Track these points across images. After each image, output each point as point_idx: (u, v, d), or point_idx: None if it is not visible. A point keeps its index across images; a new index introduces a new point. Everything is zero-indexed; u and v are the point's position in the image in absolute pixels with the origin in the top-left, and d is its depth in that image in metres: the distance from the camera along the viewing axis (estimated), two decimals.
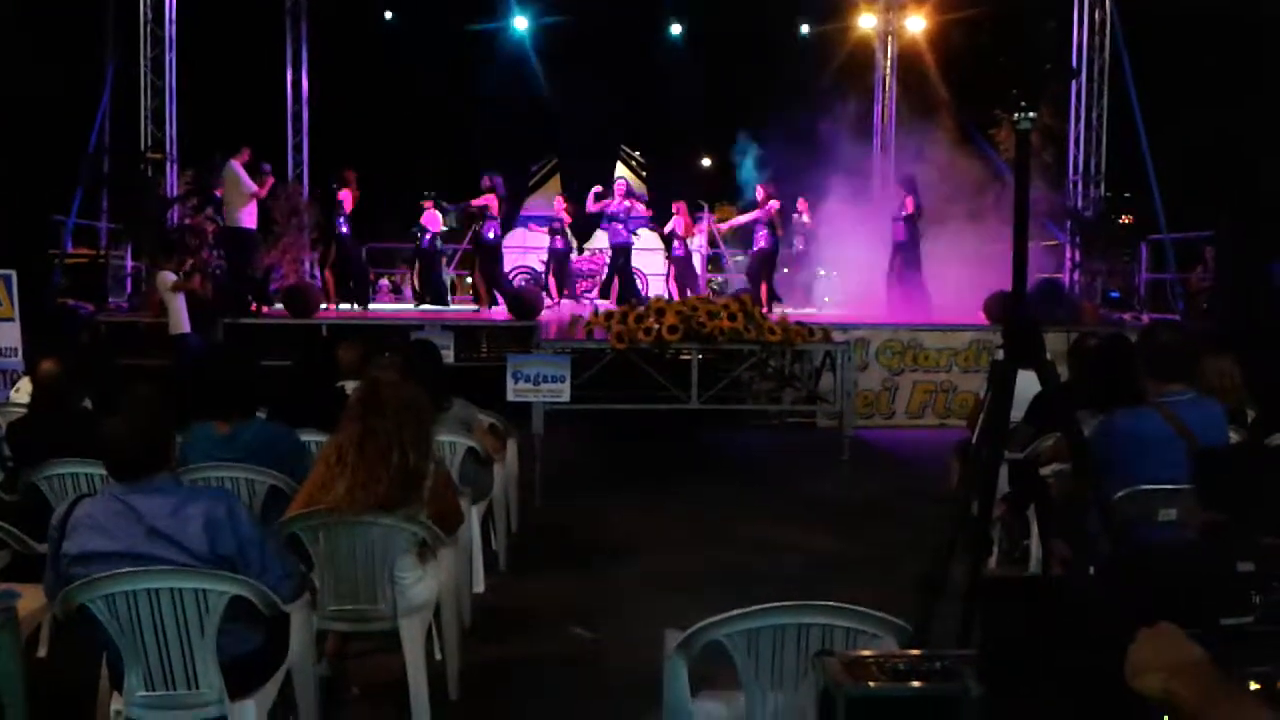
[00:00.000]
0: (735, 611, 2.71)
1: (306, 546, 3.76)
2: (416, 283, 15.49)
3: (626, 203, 14.39)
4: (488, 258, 13.97)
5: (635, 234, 15.10)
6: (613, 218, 14.36)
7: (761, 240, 13.92)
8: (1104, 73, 14.83)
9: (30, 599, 3.73)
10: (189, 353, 10.14)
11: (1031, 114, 2.97)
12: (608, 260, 15.12)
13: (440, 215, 14.61)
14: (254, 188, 11.98)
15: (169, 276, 10.45)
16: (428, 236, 14.50)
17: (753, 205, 14.53)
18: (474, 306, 14.56)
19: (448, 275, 16.22)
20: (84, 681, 3.57)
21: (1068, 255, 14.99)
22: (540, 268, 16.53)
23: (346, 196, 13.32)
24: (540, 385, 7.31)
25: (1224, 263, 12.41)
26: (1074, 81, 14.38)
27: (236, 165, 11.93)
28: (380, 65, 16.85)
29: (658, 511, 7.49)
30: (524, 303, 12.37)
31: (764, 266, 13.92)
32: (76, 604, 3.02)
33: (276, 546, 3.39)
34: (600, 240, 16.03)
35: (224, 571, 3.09)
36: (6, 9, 11.52)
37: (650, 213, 16.97)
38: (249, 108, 15.67)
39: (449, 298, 15.27)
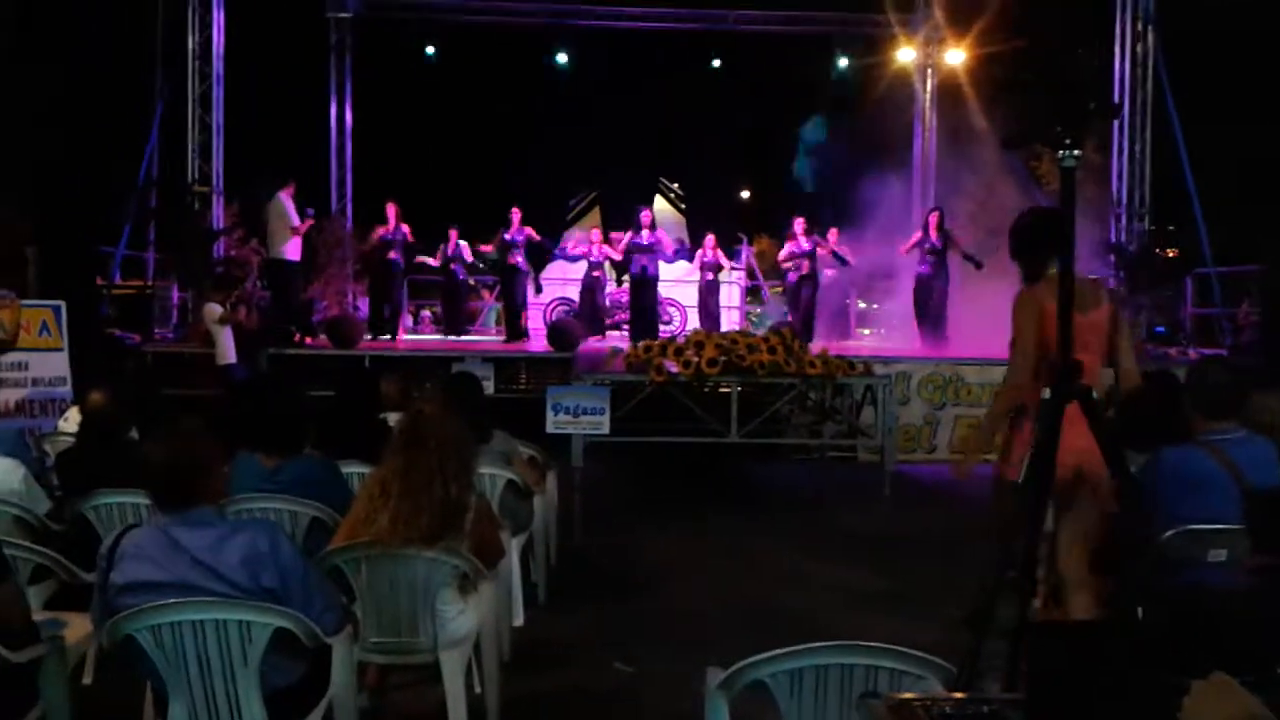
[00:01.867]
0: (778, 650, 2.68)
1: (348, 578, 3.78)
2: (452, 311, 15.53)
3: (652, 235, 14.14)
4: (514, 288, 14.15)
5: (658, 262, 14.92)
6: (640, 249, 14.14)
7: (800, 272, 13.90)
8: (1146, 105, 14.74)
9: (77, 627, 3.78)
10: (235, 383, 10.25)
11: (1076, 152, 2.96)
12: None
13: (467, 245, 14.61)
14: (297, 221, 12.13)
15: (215, 308, 10.60)
16: (457, 266, 14.51)
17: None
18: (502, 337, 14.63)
19: (493, 306, 16.33)
20: (128, 710, 3.61)
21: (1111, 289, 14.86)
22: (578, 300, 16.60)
23: (406, 230, 13.52)
24: (580, 417, 7.32)
25: (1271, 296, 12.25)
26: (1115, 118, 14.29)
27: (285, 198, 12.07)
28: (422, 100, 17.07)
29: (697, 545, 7.46)
30: (563, 334, 12.42)
31: (805, 298, 13.88)
32: (122, 634, 3.05)
33: (319, 579, 3.41)
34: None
35: (267, 603, 3.11)
36: (57, 46, 11.77)
37: (686, 245, 17.01)
38: (293, 141, 15.94)
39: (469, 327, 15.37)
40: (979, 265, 12.61)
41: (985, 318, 12.92)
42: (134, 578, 3.09)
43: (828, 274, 14.55)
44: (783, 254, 14.32)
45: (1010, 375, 4.48)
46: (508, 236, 13.84)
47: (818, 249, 14.09)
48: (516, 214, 13.92)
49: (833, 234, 14.67)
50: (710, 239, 14.77)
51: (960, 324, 13.18)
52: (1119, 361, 4.32)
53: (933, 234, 13.18)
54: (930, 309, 13.24)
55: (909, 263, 13.82)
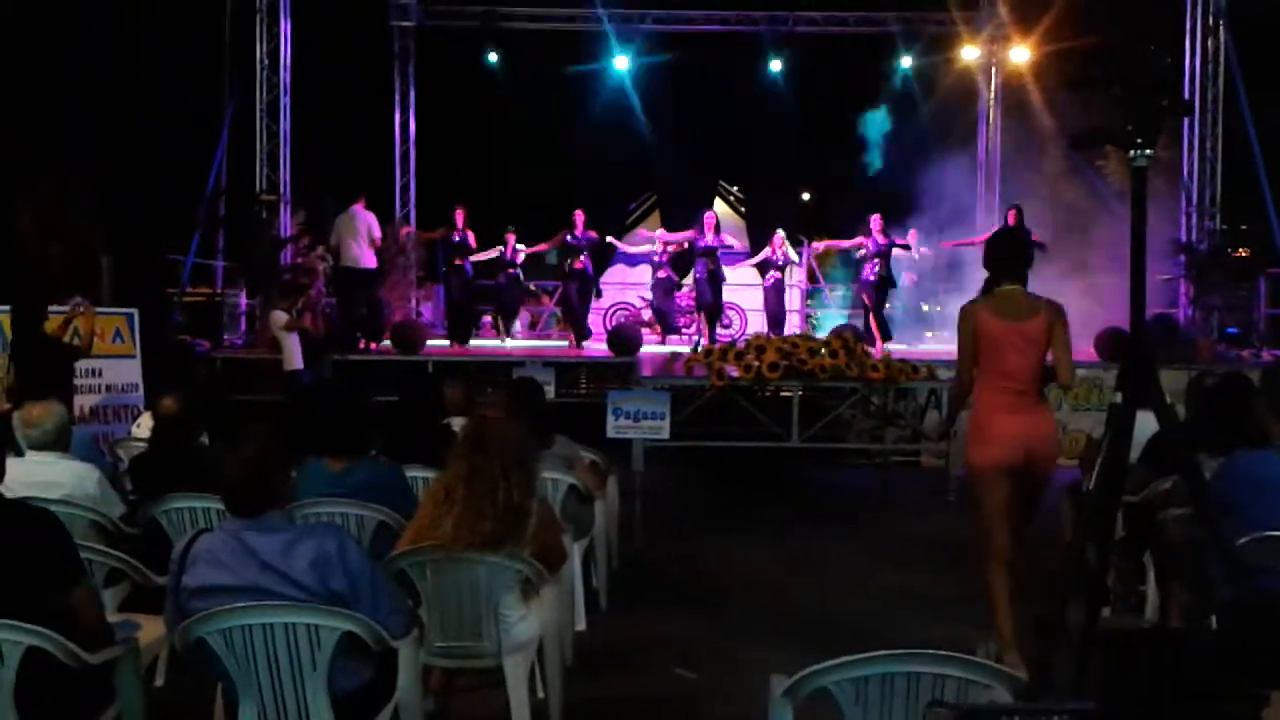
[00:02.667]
0: (844, 658, 2.66)
1: (414, 582, 3.82)
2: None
3: (715, 237, 13.80)
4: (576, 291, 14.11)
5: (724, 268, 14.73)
6: (704, 252, 13.81)
7: (868, 272, 13.65)
8: (1218, 102, 14.42)
9: (150, 630, 3.86)
10: (301, 389, 10.40)
11: (1148, 151, 2.91)
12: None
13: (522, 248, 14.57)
14: (378, 234, 12.41)
15: (281, 315, 10.76)
16: (509, 271, 14.46)
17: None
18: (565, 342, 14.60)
19: (553, 310, 16.38)
20: (199, 711, 3.67)
21: (1182, 290, 14.54)
22: (640, 304, 16.61)
23: (470, 237, 13.60)
24: (640, 422, 7.34)
25: None
26: (1187, 115, 13.99)
27: (360, 210, 12.28)
28: (483, 107, 17.20)
29: (758, 551, 7.43)
30: (623, 339, 12.45)
31: (872, 299, 13.67)
32: (194, 637, 3.10)
33: (385, 582, 3.44)
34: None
35: (335, 607, 3.15)
36: (128, 57, 12.06)
37: (746, 248, 16.92)
38: (358, 150, 16.15)
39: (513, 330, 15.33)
40: (1042, 248, 12.39)
41: None
42: (206, 581, 3.15)
43: (907, 277, 14.20)
44: (849, 243, 14.00)
45: (957, 374, 5.15)
46: (570, 239, 13.68)
47: (894, 248, 13.69)
48: (580, 216, 13.69)
49: (912, 234, 14.24)
50: (778, 236, 14.40)
51: None
52: (1058, 360, 4.78)
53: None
54: None
55: (975, 263, 13.58)
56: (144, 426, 6.35)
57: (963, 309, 4.98)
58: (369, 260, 12.42)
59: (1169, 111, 2.97)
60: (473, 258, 13.89)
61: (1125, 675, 1.91)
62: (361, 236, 12.23)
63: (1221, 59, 14.31)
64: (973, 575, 6.09)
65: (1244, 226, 15.51)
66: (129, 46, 12.13)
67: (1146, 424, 3.37)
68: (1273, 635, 3.18)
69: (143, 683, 3.64)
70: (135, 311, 9.81)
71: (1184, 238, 14.48)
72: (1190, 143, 14.63)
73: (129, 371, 9.62)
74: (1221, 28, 14.28)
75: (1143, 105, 2.91)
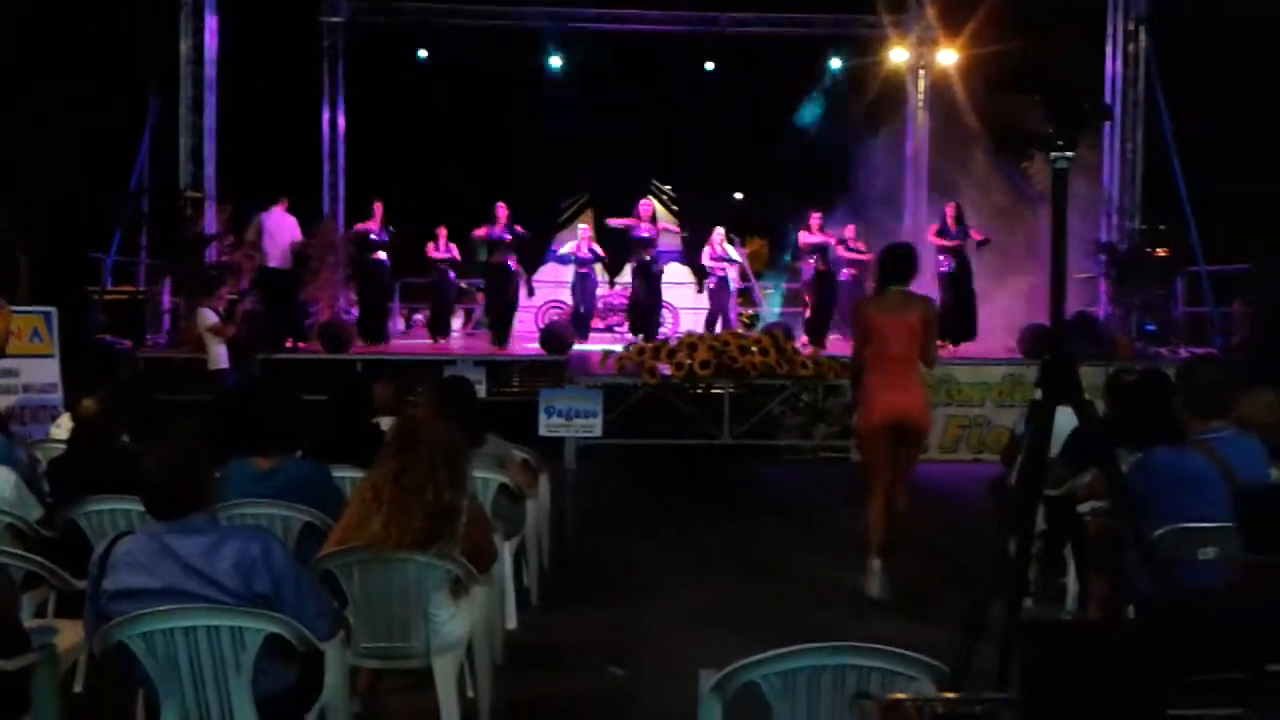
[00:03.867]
0: (771, 652, 2.69)
1: (341, 583, 3.77)
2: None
3: (652, 227, 13.72)
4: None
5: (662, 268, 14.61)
6: (640, 243, 13.63)
7: (809, 271, 13.72)
8: (1138, 106, 14.76)
9: (68, 635, 3.77)
10: (228, 388, 10.23)
11: (1069, 154, 2.97)
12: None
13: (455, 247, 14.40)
14: (298, 235, 12.67)
15: (209, 315, 10.54)
16: (440, 268, 14.28)
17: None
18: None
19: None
20: (119, 718, 3.60)
21: (1102, 289, 14.86)
22: (571, 302, 16.54)
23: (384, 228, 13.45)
24: (572, 420, 7.33)
25: (1261, 295, 12.28)
26: (1108, 120, 14.28)
27: (279, 213, 12.65)
28: (414, 103, 17.04)
29: (690, 547, 7.46)
30: (556, 337, 12.42)
31: (815, 298, 13.76)
32: (114, 641, 3.04)
33: (311, 584, 3.41)
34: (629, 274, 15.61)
35: (260, 609, 3.11)
36: (47, 50, 11.75)
37: (679, 247, 16.97)
38: (286, 146, 15.90)
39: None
40: (984, 243, 12.70)
41: (979, 317, 12.99)
42: (126, 585, 3.09)
43: (845, 273, 14.19)
44: (801, 240, 13.96)
45: (853, 358, 6.26)
46: (494, 234, 13.34)
47: (835, 246, 13.77)
48: (503, 210, 13.31)
49: (849, 230, 14.31)
50: (717, 234, 14.35)
51: (951, 324, 13.16)
52: (925, 346, 5.93)
53: (952, 227, 12.85)
54: (960, 308, 12.81)
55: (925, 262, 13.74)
56: (63, 428, 6.20)
57: (856, 306, 6.56)
58: (287, 263, 12.70)
59: (1090, 116, 3.04)
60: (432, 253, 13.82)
61: (1045, 666, 1.95)
62: (279, 240, 12.51)
63: (1142, 64, 14.64)
64: (901, 570, 6.19)
65: (1162, 227, 15.88)
66: (47, 39, 11.82)
67: (1067, 419, 3.44)
68: (1188, 626, 3.27)
69: (60, 690, 3.56)
70: (54, 310, 9.56)
71: (1104, 238, 14.80)
72: (1111, 146, 14.95)
73: (47, 371, 9.38)
74: (1142, 33, 14.61)
75: (1064, 109, 2.97)
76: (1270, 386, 5.20)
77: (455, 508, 3.81)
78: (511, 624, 5.43)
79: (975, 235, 12.87)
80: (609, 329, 16.23)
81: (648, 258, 13.58)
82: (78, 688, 4.35)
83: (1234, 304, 13.83)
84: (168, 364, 12.06)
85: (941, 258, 12.87)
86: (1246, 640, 2.00)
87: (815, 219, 13.80)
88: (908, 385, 5.92)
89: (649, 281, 13.73)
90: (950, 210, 12.92)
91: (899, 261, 6.09)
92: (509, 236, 13.31)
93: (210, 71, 14.56)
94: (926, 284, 13.50)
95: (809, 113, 17.59)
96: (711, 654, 3.08)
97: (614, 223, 14.29)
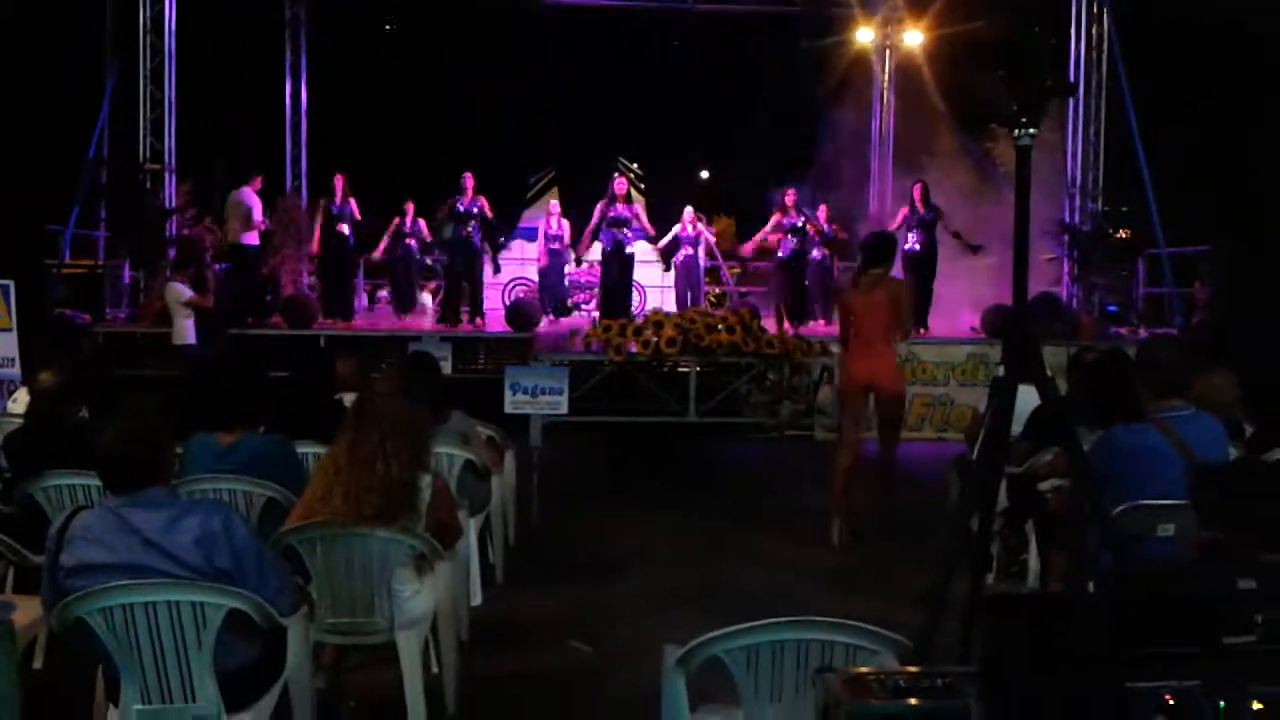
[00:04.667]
0: (734, 627, 2.70)
1: (303, 559, 3.75)
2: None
3: (627, 207, 13.43)
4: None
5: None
6: (613, 222, 13.29)
7: (782, 250, 13.62)
8: (1101, 87, 14.86)
9: (26, 611, 3.72)
10: (199, 363, 10.12)
11: (1032, 130, 2.98)
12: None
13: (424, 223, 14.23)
14: (259, 218, 12.57)
15: (184, 289, 10.37)
16: (408, 242, 14.11)
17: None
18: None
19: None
20: (79, 694, 3.56)
21: (1065, 269, 14.99)
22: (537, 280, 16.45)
23: (353, 205, 13.24)
24: (538, 397, 7.30)
25: (1221, 277, 12.43)
26: (1071, 96, 14.38)
27: (249, 193, 12.48)
28: (378, 78, 16.85)
29: (656, 525, 7.48)
30: (522, 314, 12.37)
31: (784, 278, 13.72)
32: (73, 617, 3.01)
33: (273, 559, 3.39)
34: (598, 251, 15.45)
35: (220, 584, 3.09)
36: (4, 21, 11.53)
37: (646, 225, 16.93)
38: (248, 118, 15.70)
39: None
40: (977, 249, 12.31)
41: (941, 297, 13.06)
42: (84, 560, 3.05)
43: (816, 253, 14.06)
44: (768, 227, 13.68)
45: (840, 340, 7.30)
46: (461, 206, 13.04)
47: (808, 225, 13.56)
48: (470, 180, 13.03)
49: (822, 210, 14.19)
50: (688, 212, 14.21)
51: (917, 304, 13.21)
52: (895, 327, 6.82)
53: (920, 207, 12.65)
54: (922, 286, 12.52)
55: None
56: (20, 402, 6.12)
57: (839, 294, 7.95)
58: (249, 239, 12.60)
59: (1052, 92, 3.05)
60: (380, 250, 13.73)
61: (1006, 640, 1.97)
62: (242, 218, 12.45)
63: (1105, 45, 14.74)
64: (865, 546, 6.24)
65: (1124, 209, 16.04)
66: (3, 10, 11.60)
67: (1029, 398, 3.47)
68: (1146, 601, 3.31)
69: (19, 666, 3.52)
70: (11, 283, 9.38)
71: (1067, 219, 14.92)
72: (1074, 127, 15.06)
73: (5, 345, 9.19)
74: (1106, 14, 14.70)
75: (1026, 84, 2.98)
76: (1228, 367, 5.27)
77: (409, 482, 3.79)
78: (476, 600, 5.42)
79: (949, 227, 12.69)
80: (576, 307, 16.18)
81: (620, 238, 13.31)
82: (37, 664, 4.30)
83: (1194, 285, 13.99)
84: (128, 338, 11.93)
85: (911, 235, 12.73)
86: (1202, 614, 2.03)
87: (790, 196, 13.59)
88: (878, 355, 6.80)
89: (622, 263, 13.48)
90: (917, 190, 12.85)
91: (876, 248, 7.12)
92: (475, 209, 13.12)
93: (170, 42, 14.35)
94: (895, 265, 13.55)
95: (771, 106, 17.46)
96: (675, 629, 3.10)
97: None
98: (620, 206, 13.31)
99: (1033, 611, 2.12)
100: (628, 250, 13.48)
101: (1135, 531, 3.98)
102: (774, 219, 13.62)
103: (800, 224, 13.45)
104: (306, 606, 3.57)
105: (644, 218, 13.99)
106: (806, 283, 13.79)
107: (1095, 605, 2.78)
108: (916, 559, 5.89)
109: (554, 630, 5.21)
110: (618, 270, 13.47)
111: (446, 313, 13.31)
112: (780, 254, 13.62)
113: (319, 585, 3.78)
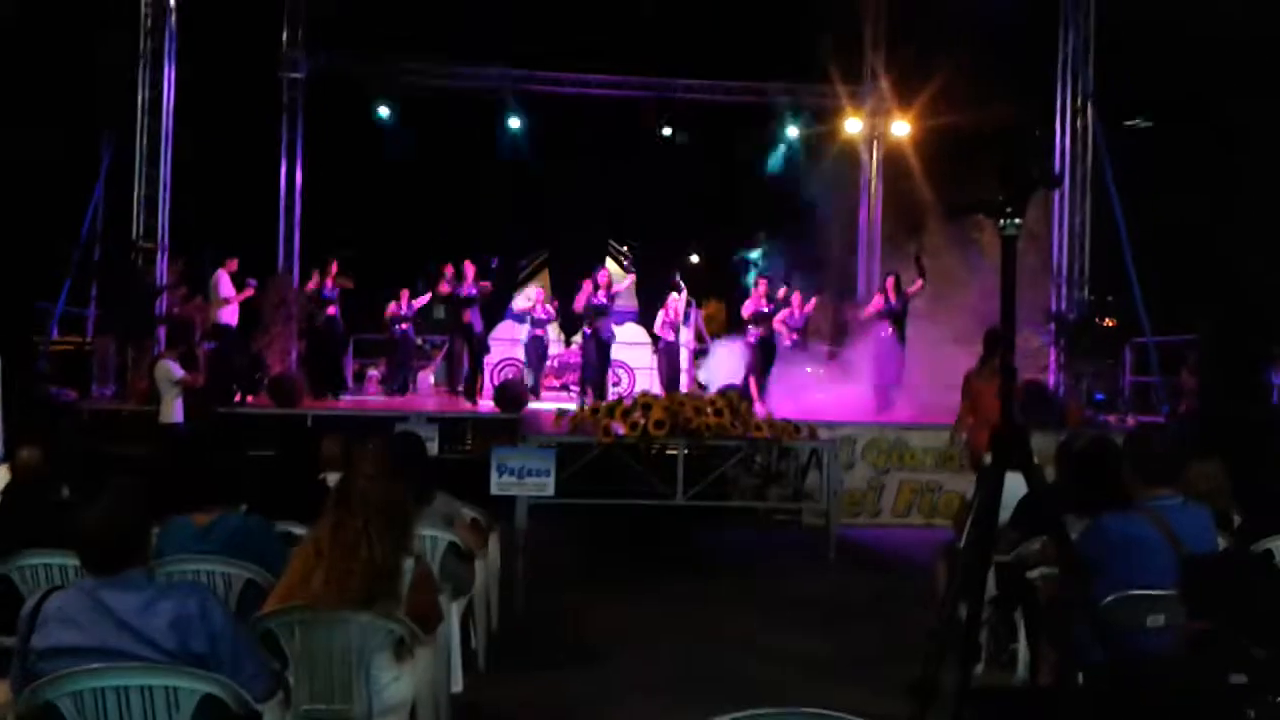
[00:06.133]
0: (722, 717, 2.64)
1: (281, 643, 3.68)
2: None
3: (609, 295, 13.93)
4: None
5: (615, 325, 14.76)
6: (595, 311, 13.82)
7: (752, 336, 13.91)
8: (1086, 178, 15.07)
9: None
10: (178, 441, 10.03)
11: (1018, 220, 3.00)
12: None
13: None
14: (228, 294, 12.93)
15: (175, 368, 10.27)
16: (401, 326, 14.53)
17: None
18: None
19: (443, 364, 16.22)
20: None
21: (1052, 357, 15.07)
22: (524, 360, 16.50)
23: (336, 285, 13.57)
24: (525, 479, 7.25)
25: (1208, 366, 12.50)
26: (1057, 188, 14.59)
27: (222, 275, 12.95)
28: (373, 161, 17.03)
29: (642, 610, 7.38)
30: (510, 395, 12.36)
31: (756, 362, 13.89)
32: (43, 701, 2.94)
33: (249, 643, 3.32)
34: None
35: (195, 669, 3.02)
36: (1, 96, 11.66)
37: (635, 308, 17.03)
38: (242, 198, 15.83)
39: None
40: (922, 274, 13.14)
41: (930, 383, 13.10)
42: (56, 642, 2.99)
43: (786, 343, 14.30)
44: (746, 308, 14.19)
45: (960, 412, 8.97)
46: (462, 292, 13.64)
47: (780, 314, 14.02)
48: (470, 269, 13.72)
49: (796, 298, 14.48)
50: (672, 298, 14.73)
51: (904, 388, 13.31)
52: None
53: (893, 297, 13.19)
54: (891, 373, 13.24)
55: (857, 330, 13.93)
56: (0, 479, 6.06)
57: (966, 376, 9.12)
58: (226, 317, 12.98)
59: (1039, 182, 3.08)
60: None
61: None
62: (214, 298, 12.98)
63: (1089, 136, 14.99)
64: (855, 634, 6.16)
65: (1110, 298, 16.17)
66: (0, 85, 11.74)
67: (1017, 486, 3.45)
68: (1138, 695, 3.26)
69: None
70: None
71: (1054, 308, 15.03)
72: (1060, 218, 15.25)
73: None
74: (1090, 106, 14.97)
75: (1012, 176, 3.01)
76: (1217, 456, 5.27)
77: (393, 566, 3.74)
78: (457, 687, 5.31)
79: (914, 288, 13.20)
80: (564, 387, 16.20)
81: (599, 324, 13.80)
82: None
83: (1181, 373, 14.06)
84: (114, 416, 11.85)
85: (881, 324, 13.24)
86: (1195, 709, 2.00)
87: (762, 285, 14.11)
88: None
89: (600, 347, 13.98)
90: (890, 282, 13.33)
91: (991, 343, 8.71)
92: (475, 292, 13.54)
93: (167, 123, 14.49)
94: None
95: (774, 162, 17.80)
96: (662, 718, 3.03)
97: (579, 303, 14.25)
98: (603, 294, 13.74)
99: (1023, 704, 2.08)
100: (605, 337, 13.99)
101: (1125, 622, 3.93)
102: (749, 304, 13.95)
103: (770, 311, 14.00)
104: (283, 692, 3.49)
105: (627, 293, 14.31)
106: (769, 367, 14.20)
107: (1085, 699, 2.75)
108: (905, 647, 5.82)
109: (536, 718, 5.11)
110: (596, 355, 13.97)
111: (464, 391, 13.93)
112: (748, 339, 13.89)
113: (296, 670, 3.70)
